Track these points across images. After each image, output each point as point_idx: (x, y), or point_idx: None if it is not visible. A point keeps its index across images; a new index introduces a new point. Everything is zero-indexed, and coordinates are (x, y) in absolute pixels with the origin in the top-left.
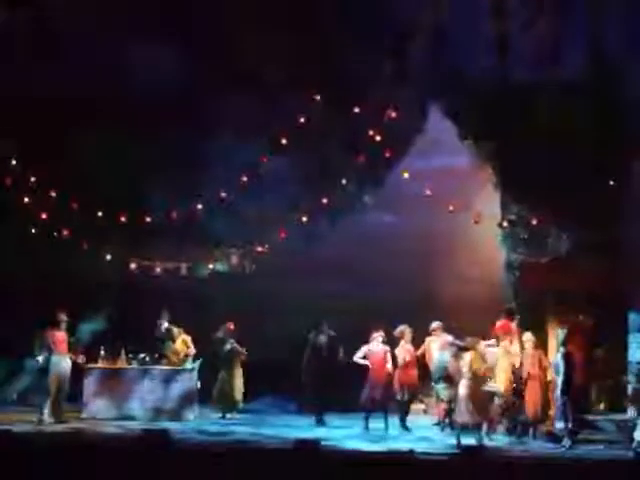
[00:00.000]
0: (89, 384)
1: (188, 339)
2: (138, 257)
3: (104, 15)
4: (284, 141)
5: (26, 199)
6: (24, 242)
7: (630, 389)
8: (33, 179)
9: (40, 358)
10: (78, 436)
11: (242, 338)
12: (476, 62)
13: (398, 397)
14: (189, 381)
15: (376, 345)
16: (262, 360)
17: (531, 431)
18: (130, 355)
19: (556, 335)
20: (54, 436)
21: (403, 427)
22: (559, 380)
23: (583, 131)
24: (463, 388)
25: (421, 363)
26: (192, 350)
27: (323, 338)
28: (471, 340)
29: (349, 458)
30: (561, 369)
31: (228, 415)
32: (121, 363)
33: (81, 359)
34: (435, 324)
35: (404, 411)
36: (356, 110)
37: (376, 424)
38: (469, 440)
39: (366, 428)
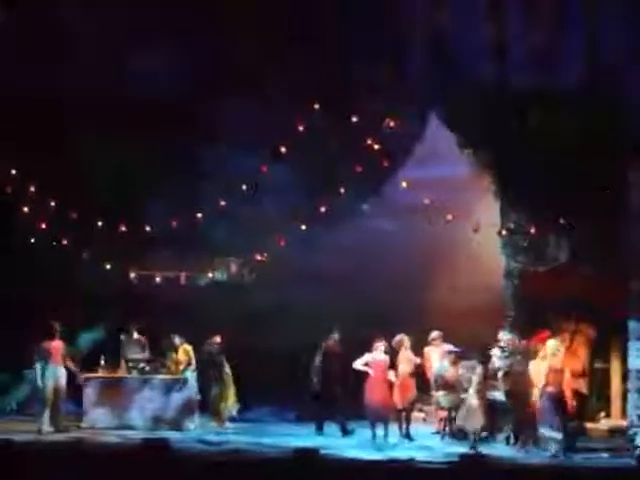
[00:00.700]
0: (89, 393)
1: (189, 349)
2: (138, 266)
3: (103, 22)
4: (283, 150)
5: (25, 209)
6: (23, 252)
7: (630, 397)
8: (32, 188)
9: (37, 368)
10: (78, 445)
11: (240, 347)
12: (475, 70)
13: (399, 406)
14: (189, 390)
15: (378, 354)
16: (261, 369)
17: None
18: (130, 364)
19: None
20: (54, 445)
21: (406, 436)
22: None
23: (582, 139)
24: (473, 398)
25: (420, 372)
26: (193, 360)
27: (334, 343)
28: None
29: (349, 466)
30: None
31: (227, 424)
32: (121, 372)
33: (77, 370)
34: (435, 334)
35: (406, 420)
36: (354, 119)
37: (378, 432)
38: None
39: (373, 437)
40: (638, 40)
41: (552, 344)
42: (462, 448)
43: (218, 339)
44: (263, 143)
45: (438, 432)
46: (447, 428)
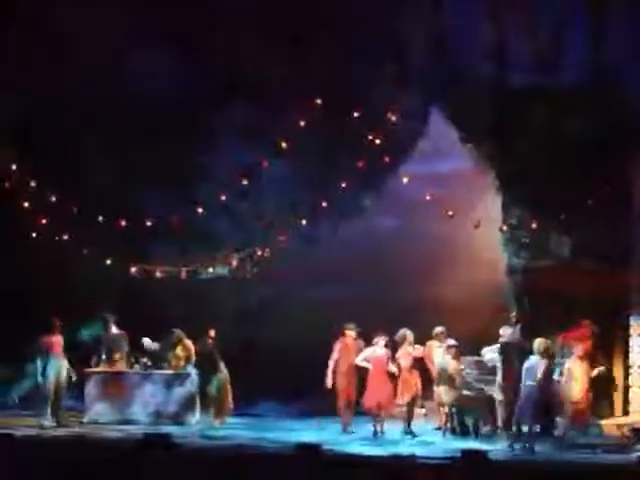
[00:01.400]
0: (91, 388)
1: (189, 343)
2: (138, 261)
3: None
4: (285, 145)
5: (26, 204)
6: (24, 247)
7: (631, 393)
8: (33, 184)
9: (38, 362)
10: (80, 440)
11: (242, 341)
12: (477, 66)
13: (400, 401)
14: (190, 385)
15: (379, 349)
16: (264, 364)
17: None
18: (132, 359)
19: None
20: (55, 440)
21: (408, 432)
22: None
23: (584, 135)
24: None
25: (423, 367)
26: (193, 355)
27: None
28: None
29: (350, 462)
30: (539, 374)
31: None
32: (122, 367)
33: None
34: (438, 329)
35: (408, 415)
36: (356, 114)
37: (379, 428)
38: (471, 445)
39: (375, 433)
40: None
41: (539, 341)
42: (463, 444)
43: (212, 333)
44: (265, 138)
45: (439, 428)
46: (448, 424)
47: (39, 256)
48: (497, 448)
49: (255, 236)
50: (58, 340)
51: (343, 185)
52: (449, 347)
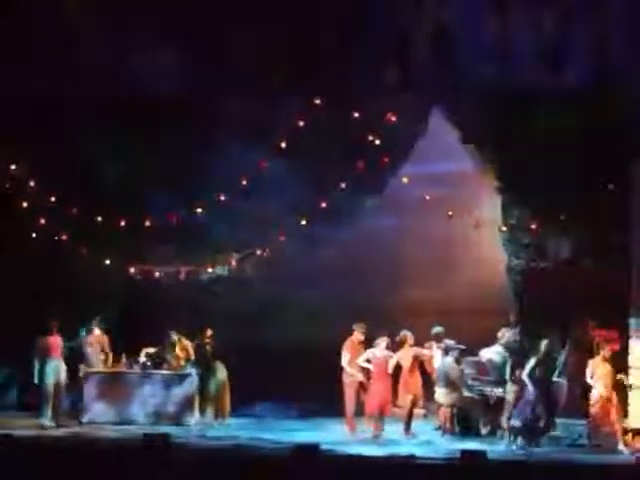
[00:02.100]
0: (90, 388)
1: (188, 344)
2: (137, 261)
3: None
4: (284, 145)
5: (24, 204)
6: (23, 247)
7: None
8: (32, 184)
9: (35, 363)
10: (79, 440)
11: (241, 342)
12: (478, 67)
13: (400, 402)
14: (189, 386)
15: (380, 350)
16: (262, 365)
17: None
18: (131, 359)
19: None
20: (55, 440)
21: (408, 432)
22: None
23: (584, 136)
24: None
25: (422, 368)
26: (192, 355)
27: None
28: None
29: (349, 463)
30: (538, 374)
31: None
32: (121, 367)
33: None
34: (437, 329)
35: (407, 416)
36: (356, 115)
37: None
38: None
39: (375, 434)
40: None
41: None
42: (463, 444)
43: (209, 333)
44: (264, 138)
45: (439, 428)
46: (448, 424)
47: (38, 256)
48: (497, 448)
49: (255, 236)
50: (57, 341)
51: (343, 185)
52: (452, 349)
